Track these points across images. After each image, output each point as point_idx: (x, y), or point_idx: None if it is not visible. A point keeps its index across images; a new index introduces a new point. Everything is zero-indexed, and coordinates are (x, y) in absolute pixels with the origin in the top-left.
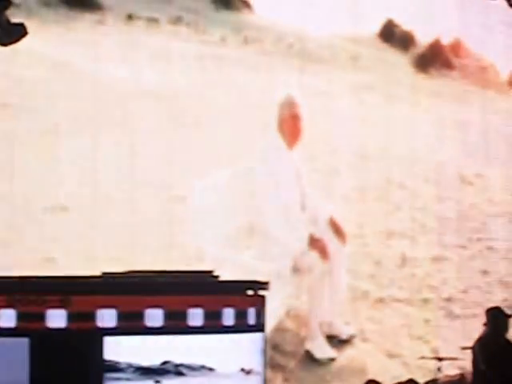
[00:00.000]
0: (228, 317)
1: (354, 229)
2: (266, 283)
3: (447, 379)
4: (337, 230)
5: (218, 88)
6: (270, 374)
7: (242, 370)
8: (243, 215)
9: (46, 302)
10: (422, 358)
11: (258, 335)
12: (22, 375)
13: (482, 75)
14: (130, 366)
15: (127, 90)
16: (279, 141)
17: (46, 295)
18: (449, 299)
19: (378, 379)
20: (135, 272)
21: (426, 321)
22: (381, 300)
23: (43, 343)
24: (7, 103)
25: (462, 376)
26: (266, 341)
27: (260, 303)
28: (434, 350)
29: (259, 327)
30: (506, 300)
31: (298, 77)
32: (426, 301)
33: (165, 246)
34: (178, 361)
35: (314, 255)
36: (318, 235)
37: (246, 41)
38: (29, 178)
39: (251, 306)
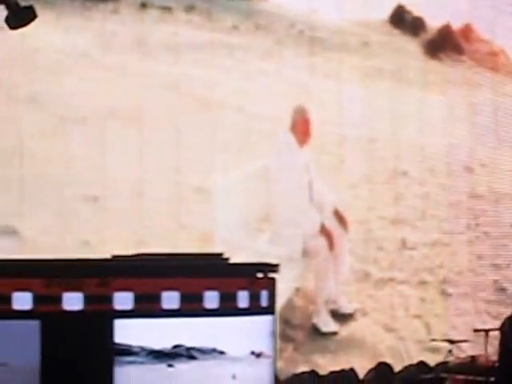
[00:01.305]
0: (243, 299)
1: (360, 215)
2: (276, 265)
3: (458, 361)
4: (340, 219)
5: (230, 76)
6: (281, 344)
7: (252, 352)
8: (259, 205)
9: (60, 284)
10: (433, 340)
11: (269, 317)
12: (34, 358)
13: (492, 60)
14: (142, 349)
15: (141, 80)
16: (292, 140)
17: (60, 278)
18: (444, 281)
19: (375, 349)
20: (145, 254)
21: (422, 299)
22: (381, 281)
23: (55, 326)
24: (33, 95)
25: (473, 358)
26: (276, 323)
27: (271, 285)
28: (427, 325)
29: (271, 309)
30: (496, 282)
31: (309, 63)
32: (422, 282)
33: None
34: (189, 344)
35: (322, 242)
36: (326, 225)
37: (257, 28)
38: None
39: (264, 288)
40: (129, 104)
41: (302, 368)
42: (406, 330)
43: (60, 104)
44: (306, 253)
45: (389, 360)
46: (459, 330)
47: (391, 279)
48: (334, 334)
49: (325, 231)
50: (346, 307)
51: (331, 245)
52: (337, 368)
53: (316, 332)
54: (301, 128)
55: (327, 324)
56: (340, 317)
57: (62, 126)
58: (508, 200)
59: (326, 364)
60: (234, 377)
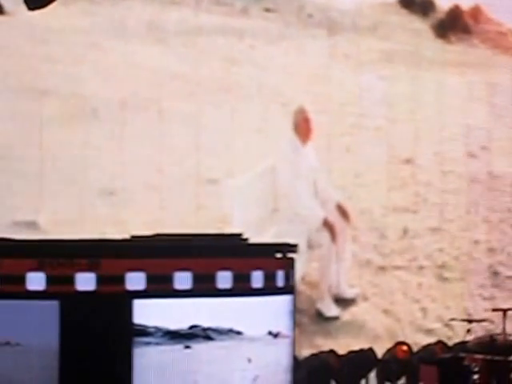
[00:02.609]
0: (257, 279)
1: (363, 204)
2: (295, 245)
3: (477, 341)
4: (343, 213)
5: (241, 63)
6: None
7: (270, 333)
8: (268, 200)
9: (75, 265)
10: (452, 319)
11: (286, 297)
12: (53, 337)
13: (501, 40)
14: (158, 329)
15: (152, 65)
16: (295, 139)
17: (75, 258)
18: (442, 266)
19: (375, 332)
20: (163, 235)
21: (419, 284)
22: (382, 267)
23: (73, 306)
24: (47, 89)
25: (491, 338)
26: (295, 303)
27: (289, 265)
28: (422, 308)
29: (288, 289)
30: (491, 266)
31: (320, 46)
32: (421, 267)
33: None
34: (205, 325)
35: (325, 235)
36: (329, 219)
37: (267, 11)
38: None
39: (280, 268)
40: (142, 93)
41: (306, 350)
42: (403, 313)
43: (73, 94)
44: (310, 245)
45: (386, 341)
46: (452, 311)
47: (391, 266)
48: (336, 318)
49: (328, 225)
50: (348, 293)
51: (333, 237)
52: (340, 350)
53: (319, 316)
54: (302, 127)
55: (330, 309)
56: (342, 302)
57: (77, 116)
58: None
59: (328, 346)
60: (249, 360)
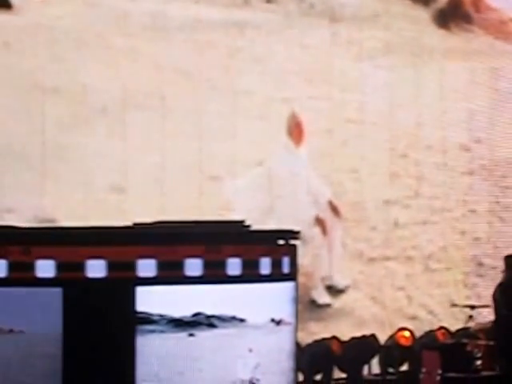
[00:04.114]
0: (265, 266)
1: (356, 197)
2: (298, 232)
3: (479, 327)
4: (334, 209)
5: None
6: None
7: (272, 320)
8: (264, 198)
9: (83, 252)
10: (454, 305)
11: (290, 284)
12: (56, 325)
13: (502, 29)
14: (162, 317)
15: (155, 63)
16: (289, 142)
17: (82, 246)
18: (429, 256)
19: (362, 319)
20: (164, 222)
21: (407, 274)
22: (372, 259)
23: (77, 293)
24: (58, 87)
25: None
26: (297, 289)
27: (292, 252)
28: (408, 297)
29: (293, 276)
30: (475, 256)
31: (322, 36)
32: (409, 258)
33: None
34: (209, 312)
35: (317, 230)
36: (320, 215)
37: (269, 2)
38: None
39: (285, 254)
40: (145, 90)
41: (299, 334)
42: (389, 301)
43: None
44: (304, 239)
45: (373, 327)
46: (437, 300)
47: (381, 256)
48: (328, 305)
49: (319, 221)
50: (340, 283)
51: (324, 232)
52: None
53: (313, 303)
54: (295, 131)
55: (322, 297)
56: (334, 291)
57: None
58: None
59: (320, 331)
60: (250, 350)
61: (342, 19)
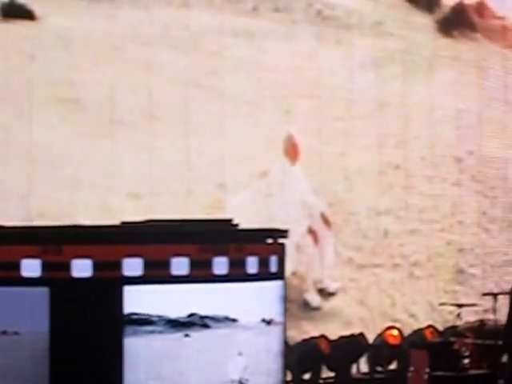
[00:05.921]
0: (252, 265)
1: (350, 207)
2: (286, 231)
3: (467, 325)
4: (325, 221)
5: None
6: None
7: (263, 320)
8: (263, 211)
9: (68, 251)
10: (443, 304)
11: (278, 283)
12: (43, 325)
13: (505, 35)
14: (159, 318)
15: (169, 75)
16: (285, 160)
17: (69, 244)
18: (414, 264)
19: (348, 319)
20: (153, 221)
21: (392, 280)
22: (362, 265)
23: (63, 293)
24: (72, 98)
25: (481, 322)
26: (286, 287)
27: (280, 251)
28: (392, 301)
29: (280, 275)
30: (456, 264)
31: (325, 42)
32: (396, 265)
33: None
34: (202, 312)
35: (309, 239)
36: (313, 226)
37: (276, 10)
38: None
39: (273, 253)
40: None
41: (292, 332)
42: (374, 305)
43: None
44: (298, 248)
45: (358, 327)
46: (419, 304)
47: (370, 264)
48: (319, 308)
49: (311, 231)
50: (330, 287)
51: (316, 241)
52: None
53: (306, 305)
54: (291, 152)
55: (314, 299)
56: (325, 294)
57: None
58: None
59: (311, 330)
60: (239, 354)
61: (349, 27)
